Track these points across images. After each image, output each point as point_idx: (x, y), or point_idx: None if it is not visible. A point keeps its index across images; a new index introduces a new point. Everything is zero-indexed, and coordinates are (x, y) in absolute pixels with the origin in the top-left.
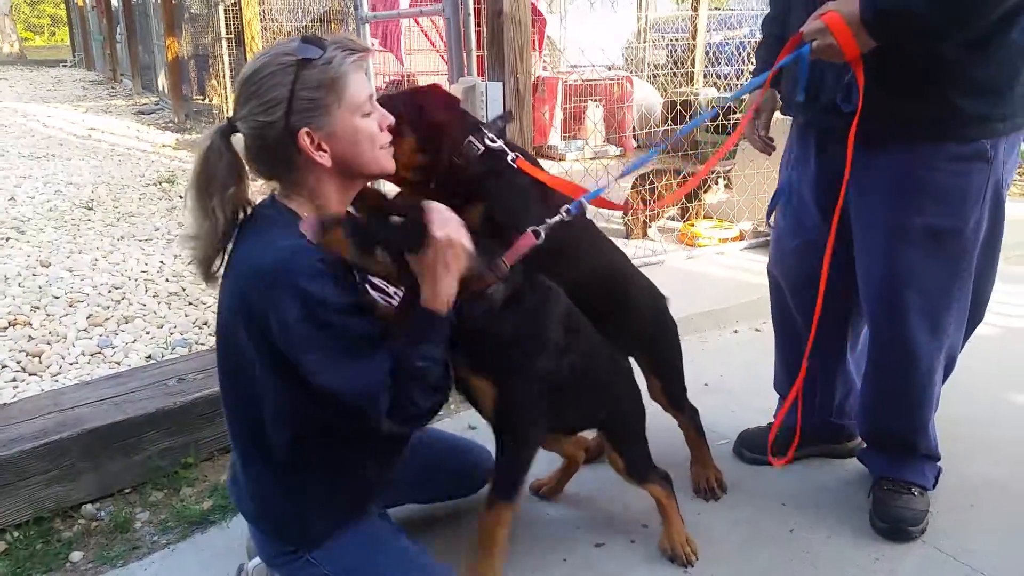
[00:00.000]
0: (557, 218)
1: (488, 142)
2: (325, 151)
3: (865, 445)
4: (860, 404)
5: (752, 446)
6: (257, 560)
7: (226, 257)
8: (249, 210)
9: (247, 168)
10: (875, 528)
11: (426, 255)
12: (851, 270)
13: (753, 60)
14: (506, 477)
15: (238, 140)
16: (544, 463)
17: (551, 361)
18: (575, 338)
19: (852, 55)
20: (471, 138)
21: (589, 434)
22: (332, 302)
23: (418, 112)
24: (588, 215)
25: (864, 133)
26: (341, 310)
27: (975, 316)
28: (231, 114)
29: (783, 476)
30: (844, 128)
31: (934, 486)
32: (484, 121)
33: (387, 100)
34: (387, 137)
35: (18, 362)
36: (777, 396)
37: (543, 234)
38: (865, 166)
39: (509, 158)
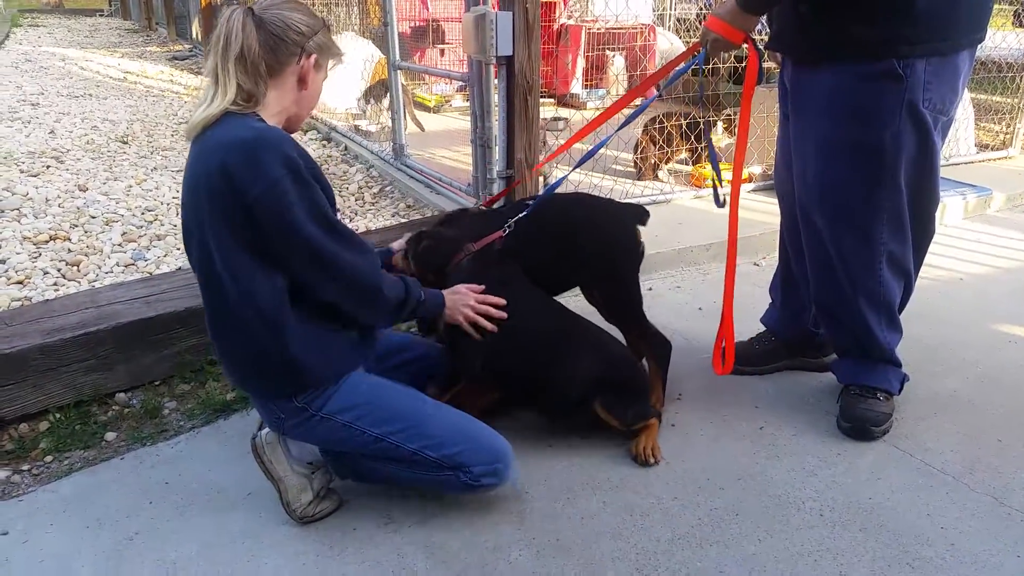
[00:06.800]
0: (522, 214)
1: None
2: (309, 81)
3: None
4: (814, 307)
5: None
6: (268, 429)
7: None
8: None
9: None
10: (840, 428)
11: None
12: None
13: None
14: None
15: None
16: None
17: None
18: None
19: (739, 39)
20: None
21: None
22: (307, 168)
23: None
24: None
25: (795, 58)
26: (313, 176)
27: (923, 231)
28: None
29: (759, 384)
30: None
31: (899, 391)
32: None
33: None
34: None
35: (58, 270)
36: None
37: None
38: (798, 87)
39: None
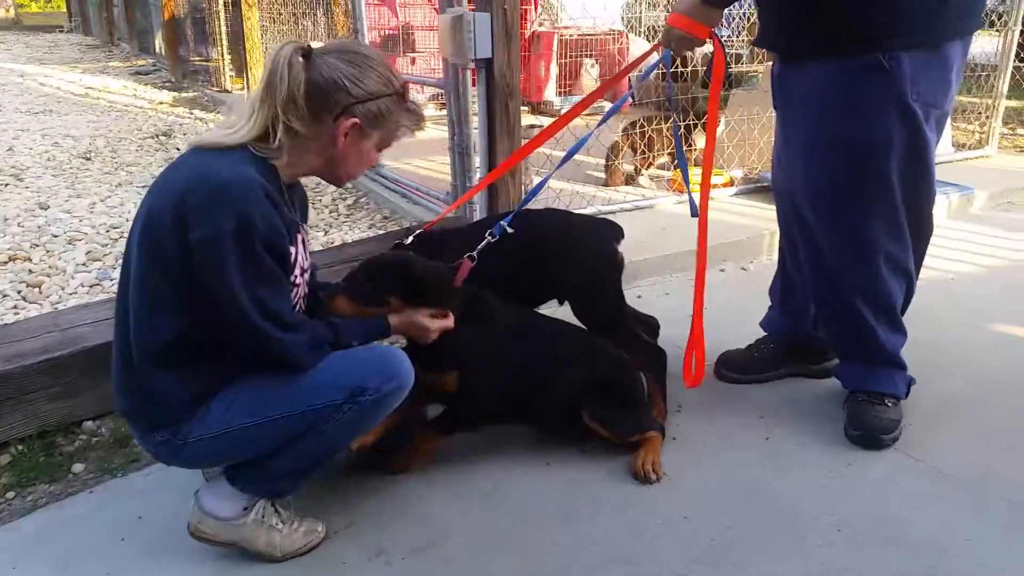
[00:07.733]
0: (484, 242)
1: None
2: (340, 144)
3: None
4: (814, 307)
5: (731, 366)
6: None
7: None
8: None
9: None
10: (849, 437)
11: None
12: None
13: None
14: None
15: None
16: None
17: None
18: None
19: (703, 34)
20: None
21: None
22: (263, 235)
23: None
24: None
25: (782, 55)
26: (266, 245)
27: (919, 231)
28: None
29: (762, 393)
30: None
31: (907, 394)
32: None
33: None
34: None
35: (19, 292)
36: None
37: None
38: (785, 84)
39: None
